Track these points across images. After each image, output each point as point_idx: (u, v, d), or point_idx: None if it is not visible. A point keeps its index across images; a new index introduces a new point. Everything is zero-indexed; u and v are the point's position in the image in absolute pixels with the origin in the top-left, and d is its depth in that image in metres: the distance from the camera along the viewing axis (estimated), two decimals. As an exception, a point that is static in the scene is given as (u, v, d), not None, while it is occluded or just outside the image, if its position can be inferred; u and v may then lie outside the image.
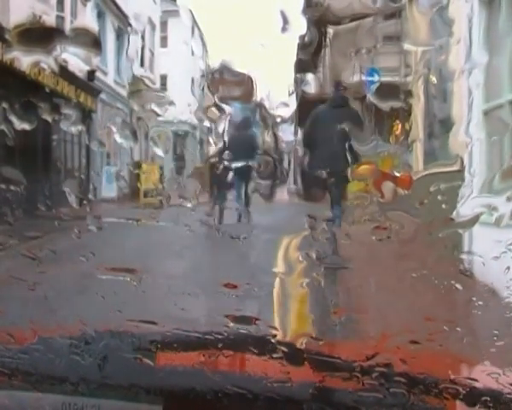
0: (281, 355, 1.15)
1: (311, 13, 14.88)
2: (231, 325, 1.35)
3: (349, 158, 2.80)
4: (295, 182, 18.37)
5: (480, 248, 2.00)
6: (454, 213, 1.57)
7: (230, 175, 10.03)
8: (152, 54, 23.78)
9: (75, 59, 1.51)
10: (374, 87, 12.24)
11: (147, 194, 13.37)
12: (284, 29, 2.26)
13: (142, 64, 22.62)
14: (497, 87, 5.43)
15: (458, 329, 1.55)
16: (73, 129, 2.14)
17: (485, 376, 1.13)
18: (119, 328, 1.29)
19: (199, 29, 29.18)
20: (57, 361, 1.18)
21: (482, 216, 1.44)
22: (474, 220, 1.46)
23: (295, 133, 21.40)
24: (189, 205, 2.09)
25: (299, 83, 18.63)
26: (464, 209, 1.55)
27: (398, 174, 2.02)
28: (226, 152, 9.34)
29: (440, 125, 6.96)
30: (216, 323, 1.45)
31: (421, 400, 1.05)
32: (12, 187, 1.70)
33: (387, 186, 1.98)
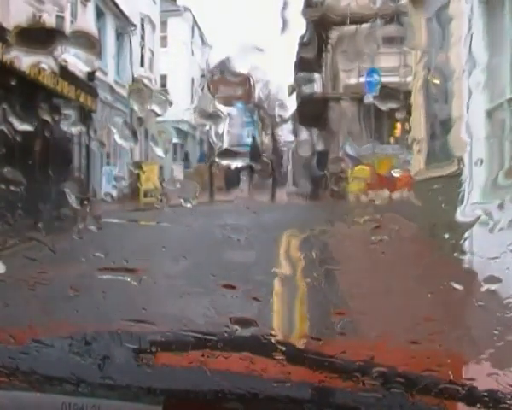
0: (281, 355, 1.15)
1: (310, 13, 14.88)
2: (231, 325, 1.35)
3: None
4: (294, 183, 18.36)
5: (480, 248, 2.00)
6: (454, 213, 1.57)
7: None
8: (152, 54, 23.77)
9: (75, 60, 1.50)
10: (377, 89, 12.23)
11: (147, 194, 13.38)
12: (284, 29, 2.26)
13: (142, 64, 22.62)
14: (500, 87, 5.42)
15: (458, 329, 1.55)
16: (73, 129, 2.14)
17: (485, 376, 1.12)
18: (119, 328, 1.29)
19: (199, 29, 29.19)
20: (57, 361, 1.18)
21: (482, 217, 1.44)
22: (474, 222, 1.46)
23: (295, 134, 21.34)
24: (188, 205, 2.08)
25: (299, 83, 18.61)
26: (464, 210, 1.55)
27: (397, 174, 2.03)
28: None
29: (441, 126, 6.95)
30: (216, 323, 1.45)
31: (421, 400, 1.04)
32: (12, 187, 1.70)
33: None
